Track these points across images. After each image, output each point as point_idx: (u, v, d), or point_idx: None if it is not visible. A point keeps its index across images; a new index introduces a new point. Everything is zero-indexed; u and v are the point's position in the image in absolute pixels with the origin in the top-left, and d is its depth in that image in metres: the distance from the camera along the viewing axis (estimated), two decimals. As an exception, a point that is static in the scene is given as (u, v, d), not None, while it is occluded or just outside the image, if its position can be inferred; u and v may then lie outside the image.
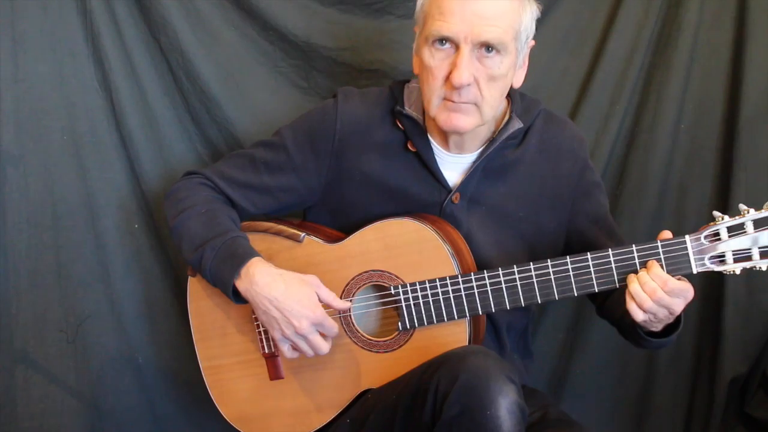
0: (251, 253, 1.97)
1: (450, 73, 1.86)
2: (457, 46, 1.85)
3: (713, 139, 2.62)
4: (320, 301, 1.96)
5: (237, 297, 1.98)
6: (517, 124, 2.00)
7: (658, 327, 1.89)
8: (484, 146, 2.01)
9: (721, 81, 2.60)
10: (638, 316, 1.81)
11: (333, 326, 1.96)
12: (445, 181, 2.01)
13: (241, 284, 1.95)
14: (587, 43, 2.59)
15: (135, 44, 2.43)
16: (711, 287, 2.64)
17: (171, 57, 2.44)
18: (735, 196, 2.58)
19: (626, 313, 1.91)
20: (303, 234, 2.03)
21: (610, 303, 2.10)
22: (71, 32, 2.40)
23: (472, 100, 1.89)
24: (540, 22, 2.47)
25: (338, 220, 2.07)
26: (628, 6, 2.53)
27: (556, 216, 2.07)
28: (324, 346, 1.96)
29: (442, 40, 1.85)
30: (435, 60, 1.87)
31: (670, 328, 1.91)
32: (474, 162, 2.00)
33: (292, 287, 1.93)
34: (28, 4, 2.36)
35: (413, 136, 2.00)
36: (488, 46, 1.85)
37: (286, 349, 1.98)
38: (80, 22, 2.40)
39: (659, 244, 1.80)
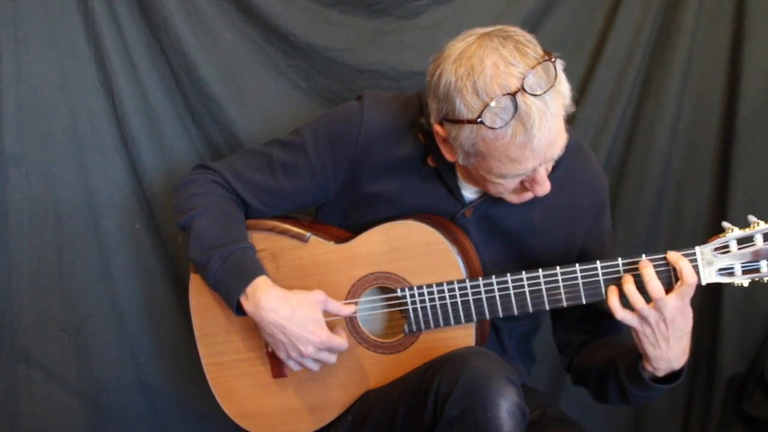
0: (259, 270, 1.96)
1: (523, 181, 1.81)
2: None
3: (711, 139, 2.62)
4: (329, 313, 1.96)
5: (239, 310, 1.97)
6: None
7: (656, 359, 1.80)
8: None
9: (719, 81, 2.59)
10: (618, 313, 1.77)
11: (341, 345, 1.96)
12: (462, 197, 1.97)
13: (248, 305, 1.95)
14: (586, 43, 2.59)
15: (136, 45, 2.44)
16: (709, 287, 2.62)
17: (172, 57, 2.45)
18: (733, 195, 2.58)
19: (621, 356, 1.89)
20: (308, 233, 2.02)
21: (593, 348, 2.05)
22: (73, 33, 2.41)
23: None
24: (539, 23, 2.51)
25: (350, 218, 2.05)
26: (627, 6, 2.53)
27: (564, 251, 2.02)
28: (331, 360, 1.98)
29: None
30: (505, 180, 1.80)
31: (670, 377, 1.86)
32: None
33: (297, 312, 1.93)
34: (30, 5, 2.37)
35: (434, 151, 1.93)
36: None
37: (291, 365, 1.99)
38: (82, 22, 2.41)
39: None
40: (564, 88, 1.74)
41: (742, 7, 2.53)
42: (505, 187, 1.84)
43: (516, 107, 1.68)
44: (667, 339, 1.78)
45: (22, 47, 2.38)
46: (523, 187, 1.85)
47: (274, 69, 2.51)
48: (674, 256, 1.78)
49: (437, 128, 1.83)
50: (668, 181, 2.63)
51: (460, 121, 1.74)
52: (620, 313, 1.78)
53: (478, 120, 1.70)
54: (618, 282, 1.81)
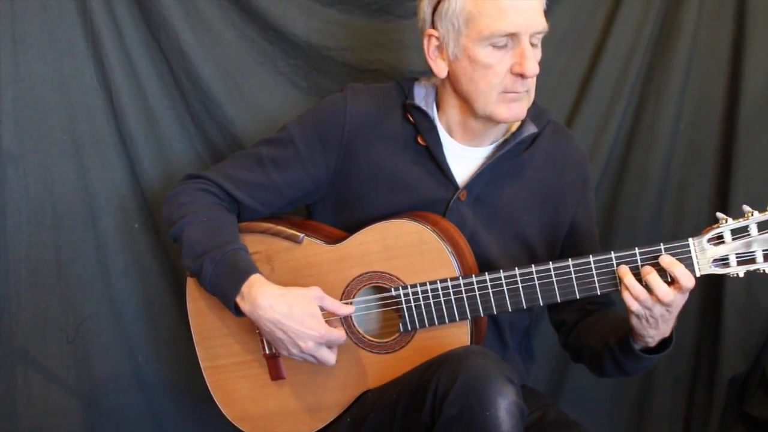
0: (252, 269, 1.96)
1: (512, 66, 1.88)
2: (515, 41, 1.87)
3: (712, 139, 2.63)
4: (325, 310, 1.95)
5: (238, 311, 1.97)
6: (532, 129, 2.00)
7: (653, 337, 1.85)
8: (495, 143, 2.02)
9: (720, 81, 2.60)
10: (633, 306, 1.79)
11: (339, 338, 1.95)
12: (453, 177, 2.00)
13: (244, 305, 1.94)
14: (587, 43, 2.60)
15: (135, 44, 2.43)
16: (710, 287, 2.64)
17: (171, 57, 2.44)
18: (734, 195, 2.58)
19: (611, 333, 1.92)
20: (302, 235, 2.02)
21: (586, 326, 2.07)
22: (71, 32, 2.41)
23: (530, 87, 1.93)
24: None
25: (342, 217, 2.06)
26: (628, 6, 2.54)
27: (556, 223, 2.07)
28: (331, 359, 1.97)
29: (505, 36, 1.86)
30: (495, 57, 1.88)
31: (662, 345, 1.89)
32: (485, 159, 2.01)
33: (295, 307, 1.92)
34: (28, 3, 2.37)
35: (423, 129, 1.99)
36: (535, 36, 1.90)
37: (296, 359, 1.99)
38: (80, 21, 2.40)
39: (662, 247, 1.79)
40: None
41: (743, 6, 2.54)
42: (495, 72, 1.88)
43: None
44: (667, 321, 1.83)
45: (20, 46, 2.37)
46: (511, 76, 1.88)
47: (274, 68, 2.51)
48: (668, 262, 1.78)
49: (430, 31, 1.95)
50: (669, 181, 2.64)
51: None
52: (635, 306, 1.79)
53: None
54: (624, 279, 1.80)
